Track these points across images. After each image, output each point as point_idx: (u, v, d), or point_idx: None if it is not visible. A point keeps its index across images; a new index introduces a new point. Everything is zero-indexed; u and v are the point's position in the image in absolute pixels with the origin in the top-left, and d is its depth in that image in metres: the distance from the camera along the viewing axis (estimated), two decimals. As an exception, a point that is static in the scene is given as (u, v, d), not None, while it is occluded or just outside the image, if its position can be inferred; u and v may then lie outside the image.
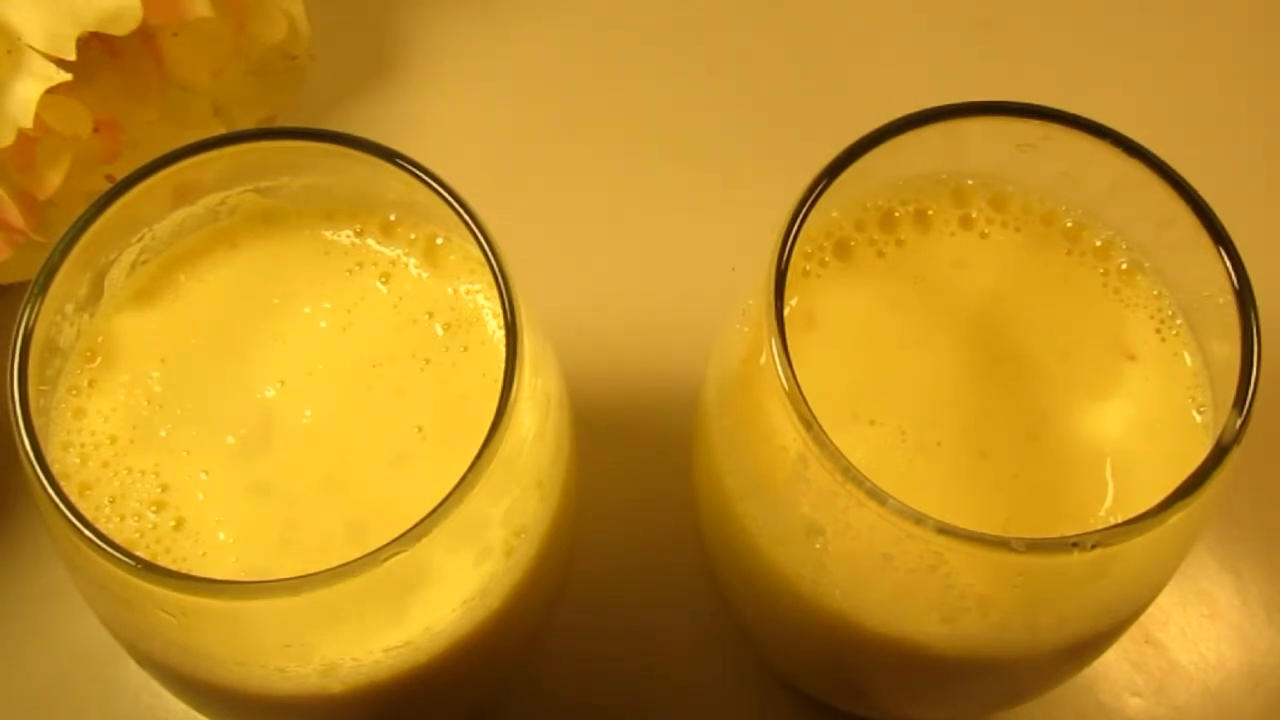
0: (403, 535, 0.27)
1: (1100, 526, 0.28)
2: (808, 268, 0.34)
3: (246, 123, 0.46)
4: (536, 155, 0.49)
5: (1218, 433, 0.29)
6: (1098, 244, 0.34)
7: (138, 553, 0.28)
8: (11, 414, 0.28)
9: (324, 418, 0.32)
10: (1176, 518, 0.28)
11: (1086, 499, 0.32)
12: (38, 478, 0.28)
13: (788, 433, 0.30)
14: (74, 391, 0.33)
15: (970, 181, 0.35)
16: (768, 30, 0.52)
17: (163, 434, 0.32)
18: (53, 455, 0.31)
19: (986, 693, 0.35)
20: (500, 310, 0.30)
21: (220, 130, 0.40)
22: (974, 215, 0.35)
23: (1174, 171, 0.31)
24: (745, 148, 0.49)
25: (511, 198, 0.46)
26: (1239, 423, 0.29)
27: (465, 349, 0.33)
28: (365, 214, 0.34)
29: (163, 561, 0.31)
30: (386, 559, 0.27)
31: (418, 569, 0.29)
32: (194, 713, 0.36)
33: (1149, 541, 0.28)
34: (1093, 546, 0.28)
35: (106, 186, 0.31)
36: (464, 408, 0.32)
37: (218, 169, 0.32)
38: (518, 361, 0.29)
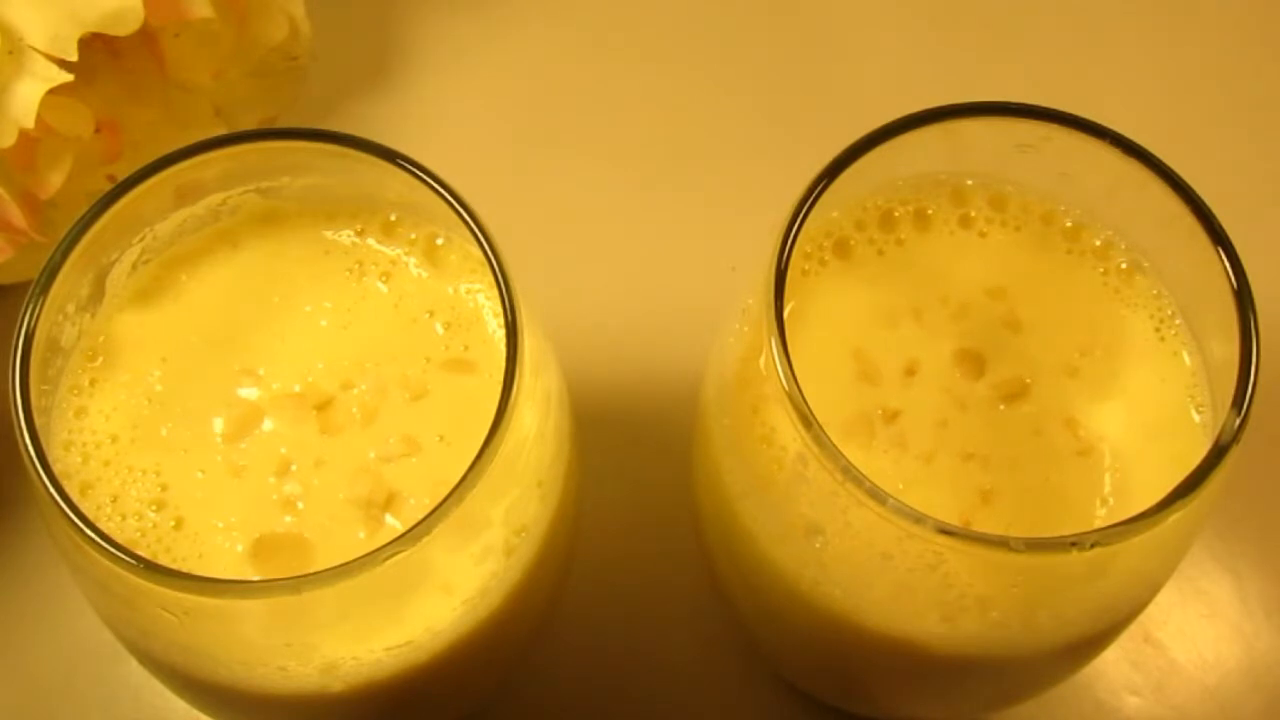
0: (403, 535, 0.27)
1: (1100, 526, 0.28)
2: (807, 267, 0.34)
3: (247, 123, 0.46)
4: (536, 155, 0.49)
5: (1217, 432, 0.29)
6: (1097, 244, 0.34)
7: (139, 552, 0.28)
8: (13, 413, 0.29)
9: (324, 417, 0.32)
10: (1175, 517, 0.28)
11: (1086, 499, 0.32)
12: (39, 477, 0.28)
13: (788, 433, 0.30)
14: (75, 391, 0.33)
15: (970, 181, 0.35)
16: (768, 30, 0.52)
17: (163, 433, 0.32)
18: (54, 454, 0.31)
19: (986, 692, 0.36)
20: (500, 310, 0.30)
21: (221, 131, 0.40)
22: (973, 215, 0.35)
23: (1173, 171, 0.31)
24: (745, 147, 0.49)
25: (511, 198, 0.46)
26: (1238, 422, 0.29)
27: (465, 349, 0.33)
28: (366, 214, 0.34)
29: (163, 561, 0.31)
30: (386, 559, 0.27)
31: (418, 568, 0.29)
32: (195, 712, 0.36)
33: (1148, 541, 0.28)
34: (1092, 546, 0.28)
35: (108, 187, 0.31)
36: (464, 407, 0.32)
37: (219, 169, 0.32)
38: (518, 361, 0.29)
